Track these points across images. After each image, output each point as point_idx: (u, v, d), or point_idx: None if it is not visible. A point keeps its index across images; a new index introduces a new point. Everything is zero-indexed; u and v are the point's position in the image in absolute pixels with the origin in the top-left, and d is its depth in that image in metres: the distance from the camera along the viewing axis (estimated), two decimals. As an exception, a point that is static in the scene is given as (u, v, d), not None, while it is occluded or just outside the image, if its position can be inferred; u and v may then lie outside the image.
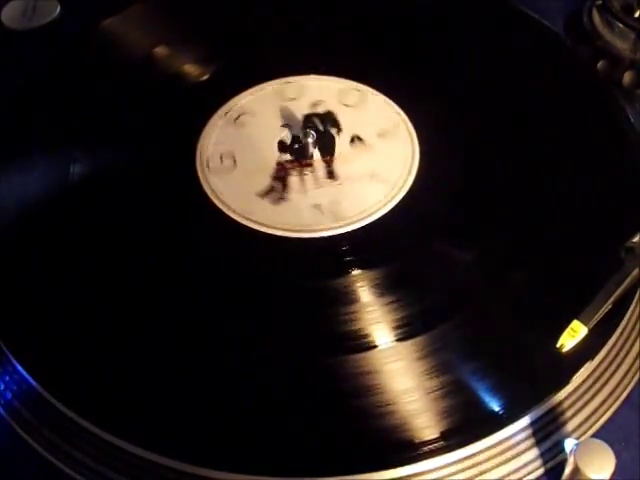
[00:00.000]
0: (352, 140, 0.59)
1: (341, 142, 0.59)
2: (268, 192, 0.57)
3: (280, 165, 0.58)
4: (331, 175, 0.58)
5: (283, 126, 0.60)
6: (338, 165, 0.58)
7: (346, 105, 0.61)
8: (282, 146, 0.59)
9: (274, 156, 0.59)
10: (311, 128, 0.59)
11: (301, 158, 0.58)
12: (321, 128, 0.60)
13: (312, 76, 0.64)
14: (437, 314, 0.50)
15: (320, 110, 0.61)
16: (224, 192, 0.57)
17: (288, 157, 0.59)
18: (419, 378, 0.47)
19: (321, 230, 0.54)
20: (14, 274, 0.53)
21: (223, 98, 0.62)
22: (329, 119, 0.60)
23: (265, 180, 0.58)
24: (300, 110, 0.61)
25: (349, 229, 0.54)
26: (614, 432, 0.48)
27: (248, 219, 0.55)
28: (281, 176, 0.58)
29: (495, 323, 0.50)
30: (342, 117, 0.61)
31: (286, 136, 0.60)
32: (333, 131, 0.60)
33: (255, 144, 0.60)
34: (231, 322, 0.50)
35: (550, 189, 0.56)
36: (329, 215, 0.55)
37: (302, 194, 0.57)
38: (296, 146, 0.58)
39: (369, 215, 0.55)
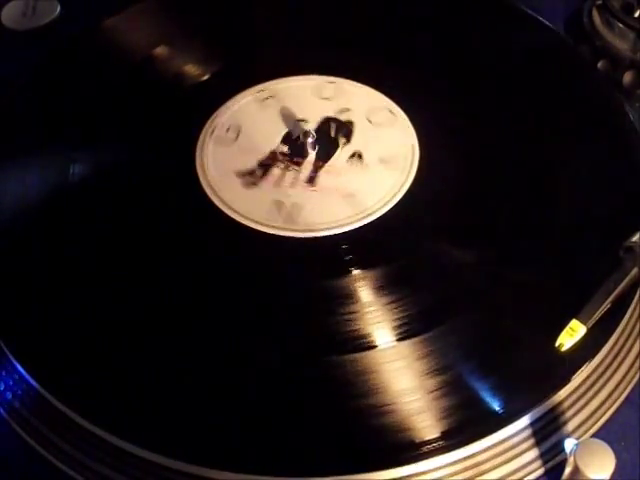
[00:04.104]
0: (352, 155, 0.59)
1: (341, 154, 0.59)
2: (246, 174, 0.57)
3: (272, 154, 0.58)
4: (311, 180, 0.57)
5: (299, 120, 0.60)
6: (324, 173, 0.58)
7: (370, 121, 0.61)
8: (286, 138, 0.59)
9: (273, 144, 0.59)
10: (323, 131, 0.59)
11: (296, 155, 0.58)
12: (332, 134, 0.60)
13: (356, 83, 0.63)
14: (437, 314, 0.50)
15: (344, 117, 0.61)
16: (210, 161, 0.58)
17: (285, 150, 0.59)
18: (419, 378, 0.47)
19: (268, 227, 0.54)
20: (14, 274, 0.53)
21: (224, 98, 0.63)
22: (345, 128, 0.60)
23: (251, 163, 0.58)
24: (325, 111, 0.61)
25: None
26: (614, 432, 0.48)
27: (216, 196, 0.56)
28: (267, 164, 0.58)
29: (495, 323, 0.50)
30: (359, 131, 0.60)
31: (295, 130, 0.59)
32: (341, 141, 0.59)
33: (263, 127, 0.60)
34: (231, 322, 0.50)
35: (550, 189, 0.56)
36: (284, 216, 0.55)
37: (274, 187, 0.57)
38: (298, 142, 0.58)
39: (320, 230, 0.54)
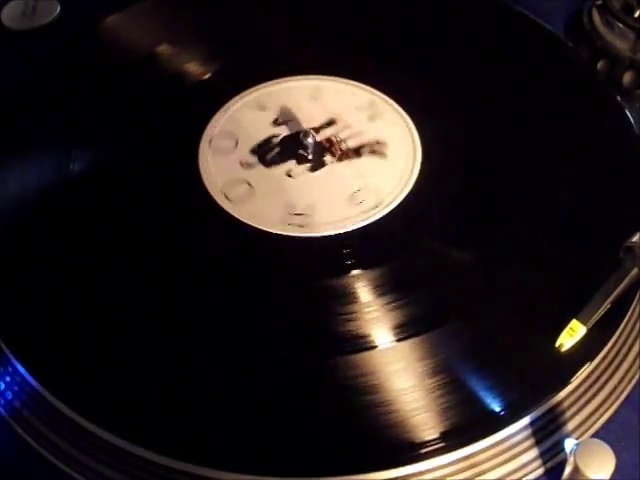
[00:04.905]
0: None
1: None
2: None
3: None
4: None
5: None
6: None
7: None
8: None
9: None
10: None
11: (295, 155, 0.59)
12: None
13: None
14: (437, 314, 0.50)
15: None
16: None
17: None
18: (419, 378, 0.47)
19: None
20: (14, 273, 0.53)
21: (224, 99, 0.63)
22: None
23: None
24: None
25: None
26: (614, 432, 0.48)
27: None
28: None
29: (495, 323, 0.50)
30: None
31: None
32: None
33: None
34: (230, 321, 0.50)
35: (550, 189, 0.56)
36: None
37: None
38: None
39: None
